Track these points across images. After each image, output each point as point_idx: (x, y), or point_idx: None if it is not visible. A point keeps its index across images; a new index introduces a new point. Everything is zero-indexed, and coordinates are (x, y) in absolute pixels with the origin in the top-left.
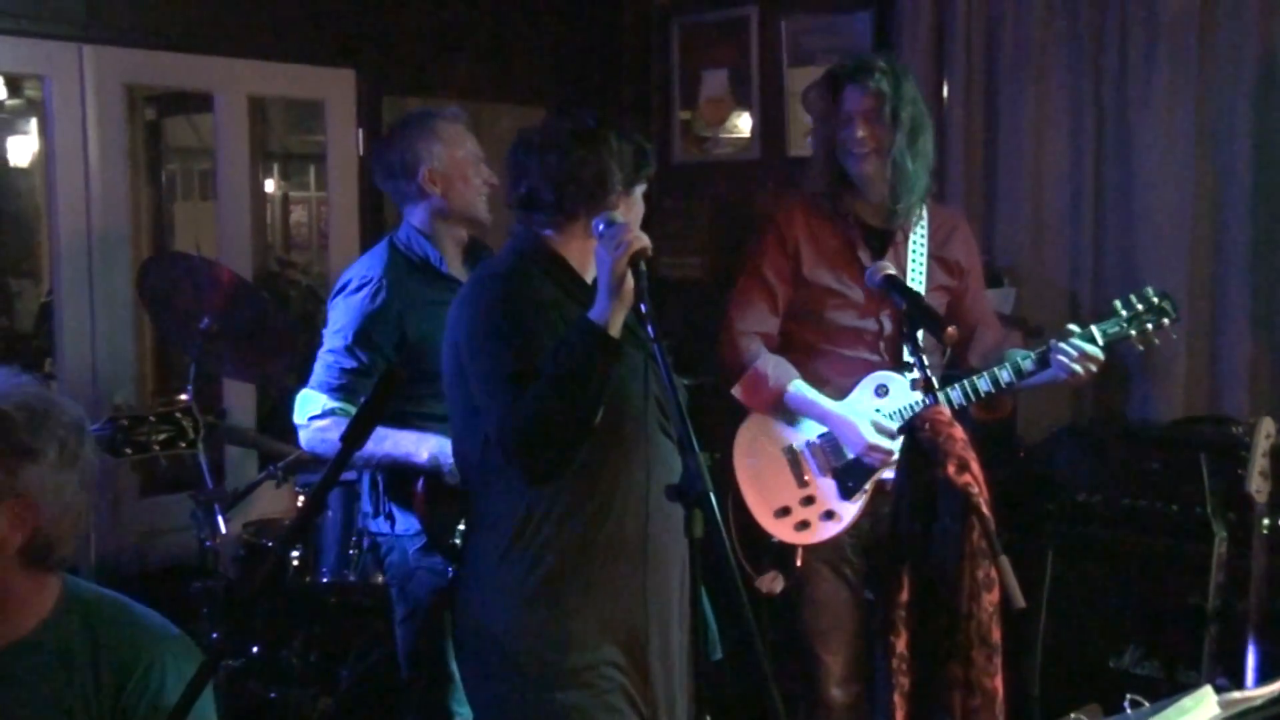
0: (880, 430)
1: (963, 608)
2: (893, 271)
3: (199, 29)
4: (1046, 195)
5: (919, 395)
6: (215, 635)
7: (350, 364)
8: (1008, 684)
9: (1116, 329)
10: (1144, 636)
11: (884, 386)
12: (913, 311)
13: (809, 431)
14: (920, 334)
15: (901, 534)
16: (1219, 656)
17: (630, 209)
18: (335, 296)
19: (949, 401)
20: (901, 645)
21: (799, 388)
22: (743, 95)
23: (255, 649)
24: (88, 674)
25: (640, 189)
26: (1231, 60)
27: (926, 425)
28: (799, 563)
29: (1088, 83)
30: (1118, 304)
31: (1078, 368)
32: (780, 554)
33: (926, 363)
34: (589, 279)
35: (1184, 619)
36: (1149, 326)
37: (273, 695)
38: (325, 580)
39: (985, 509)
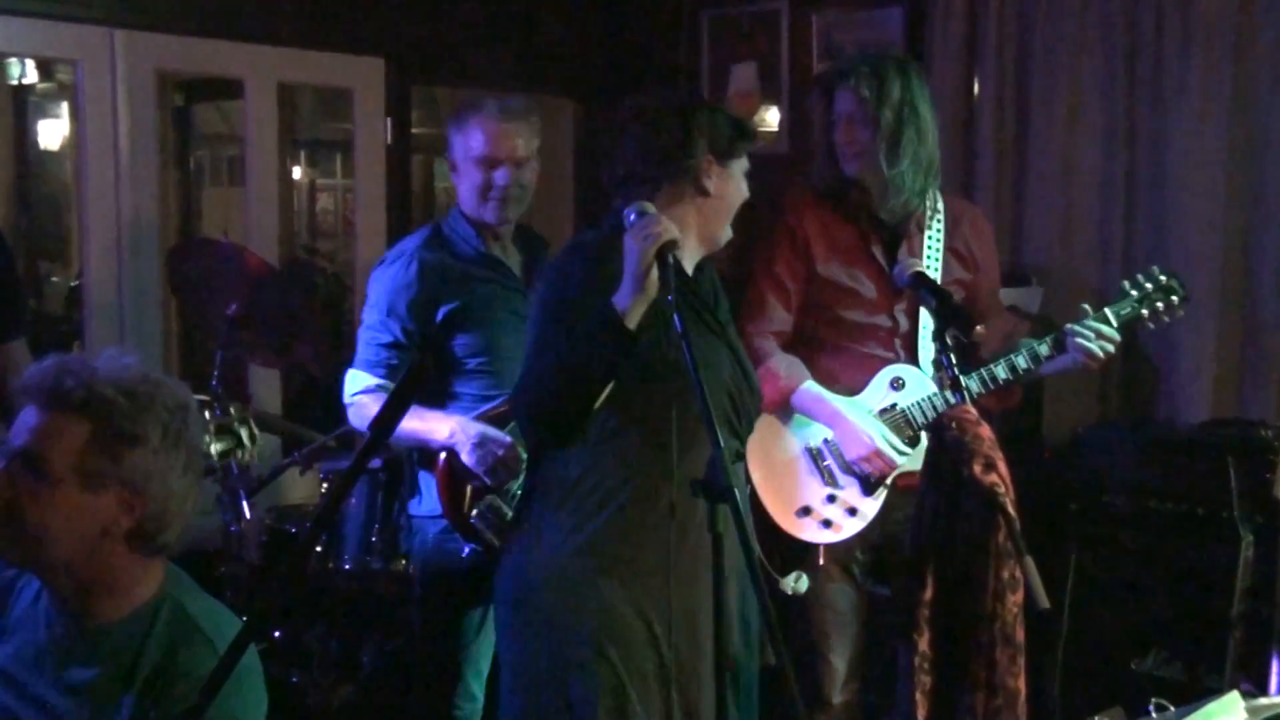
0: (889, 442)
1: (987, 607)
2: (922, 269)
3: (230, 15)
4: (1077, 194)
5: (934, 387)
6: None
7: (385, 338)
8: (1030, 685)
9: (1129, 309)
10: (1168, 639)
11: (899, 379)
12: (942, 310)
13: (827, 430)
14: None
15: (926, 532)
16: (1243, 661)
17: (726, 182)
18: (373, 271)
19: (968, 391)
20: (924, 644)
21: (810, 387)
22: (772, 89)
23: (278, 634)
24: (146, 673)
25: (738, 165)
26: (1266, 59)
27: (953, 424)
28: (820, 561)
29: (1120, 81)
30: (1126, 284)
31: (1094, 348)
32: (801, 554)
33: (954, 360)
34: (684, 256)
35: (1209, 622)
36: (1159, 305)
37: (294, 680)
38: (348, 567)
39: (1011, 508)
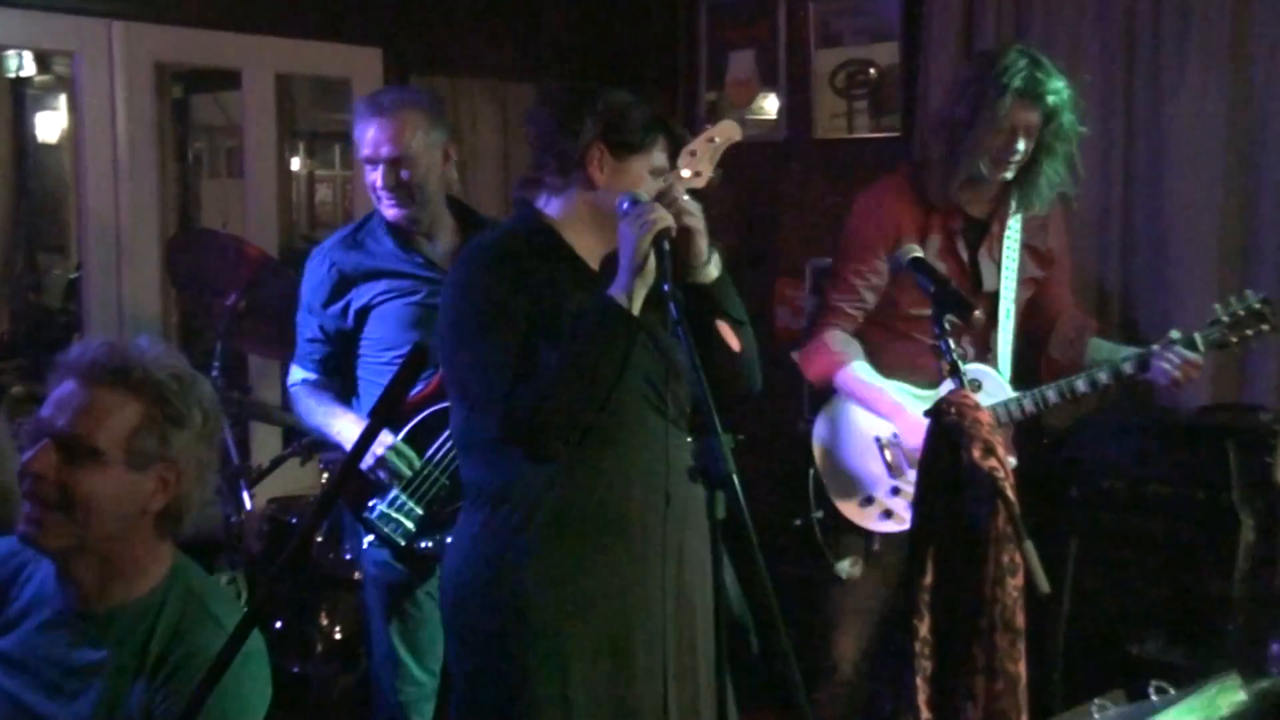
0: None
1: (987, 592)
2: (919, 254)
3: (228, 6)
4: (1075, 179)
5: (1014, 392)
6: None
7: (308, 334)
8: (1030, 669)
9: (1218, 335)
10: (1168, 623)
11: (975, 381)
12: (939, 294)
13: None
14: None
15: (926, 517)
16: (1243, 645)
17: (620, 177)
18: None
19: (1044, 402)
20: (924, 629)
21: (860, 369)
22: (769, 76)
23: (279, 624)
24: (156, 654)
25: (641, 162)
26: (1264, 44)
27: (952, 409)
28: (877, 547)
29: (1119, 65)
30: (1218, 308)
31: (1179, 375)
32: (858, 539)
33: (953, 346)
34: (586, 252)
35: (1209, 606)
36: (1249, 333)
37: (295, 670)
38: (348, 557)
39: (1011, 493)
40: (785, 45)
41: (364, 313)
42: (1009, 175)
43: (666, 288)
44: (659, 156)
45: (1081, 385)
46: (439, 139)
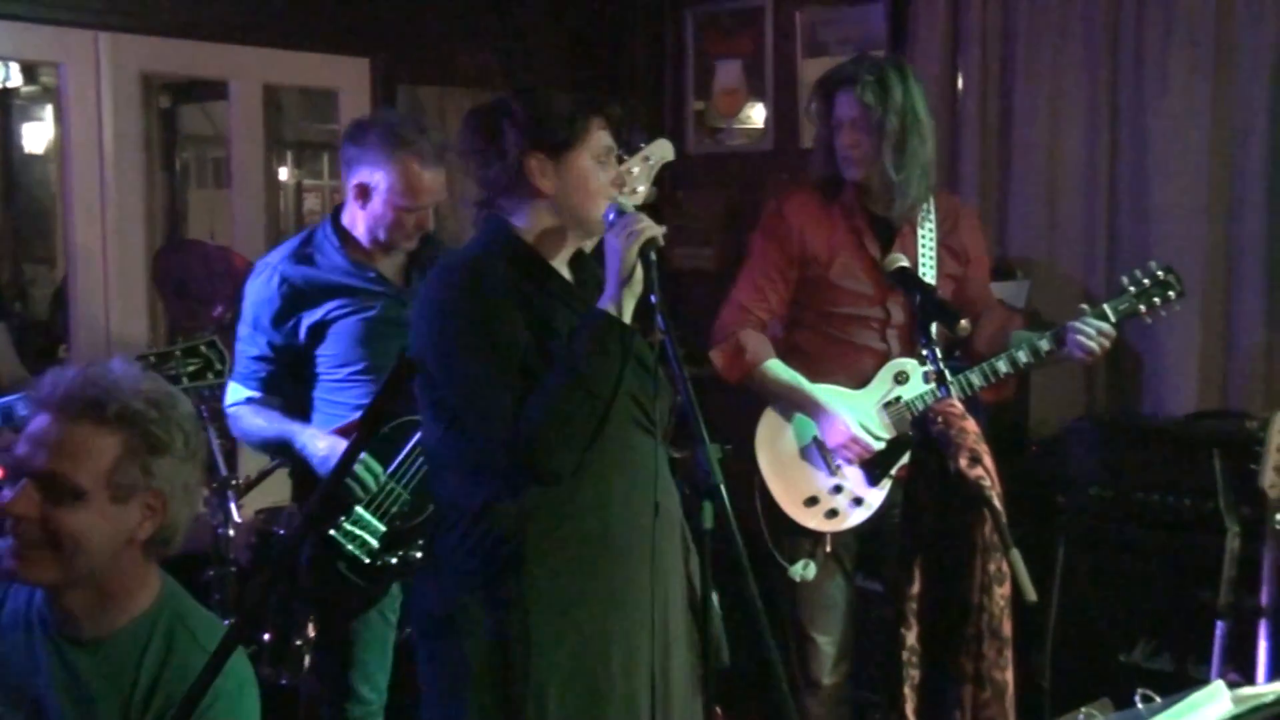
0: (865, 427)
1: (974, 601)
2: (905, 264)
3: (215, 17)
4: (1061, 187)
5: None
6: (228, 622)
7: (253, 351)
8: (1018, 677)
9: (1127, 305)
10: (1155, 631)
11: (903, 373)
12: (926, 304)
13: None
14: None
15: (913, 527)
16: (1230, 652)
17: (565, 176)
18: (246, 282)
19: (970, 385)
20: (912, 638)
21: (774, 367)
22: (756, 86)
23: (266, 636)
24: (146, 682)
25: (583, 153)
26: (1248, 52)
27: (939, 418)
28: (828, 549)
29: (1103, 74)
30: (1125, 280)
31: (1094, 345)
32: (805, 541)
33: (939, 355)
34: (559, 262)
35: (1195, 614)
36: (1156, 301)
37: (284, 682)
38: None
39: (997, 502)
40: (772, 55)
41: (318, 329)
42: (856, 172)
43: (654, 299)
44: (599, 140)
45: (1003, 366)
46: None
